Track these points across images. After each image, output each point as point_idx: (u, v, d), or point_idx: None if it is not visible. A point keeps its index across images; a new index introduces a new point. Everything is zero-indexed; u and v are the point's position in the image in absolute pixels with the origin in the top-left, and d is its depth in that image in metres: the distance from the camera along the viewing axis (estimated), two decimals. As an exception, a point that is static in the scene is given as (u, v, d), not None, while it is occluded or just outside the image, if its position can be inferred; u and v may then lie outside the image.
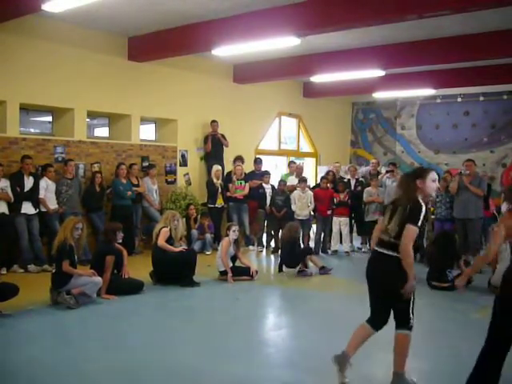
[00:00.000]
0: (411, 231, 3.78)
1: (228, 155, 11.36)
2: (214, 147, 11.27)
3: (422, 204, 3.85)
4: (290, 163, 12.28)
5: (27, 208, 8.12)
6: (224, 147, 11.39)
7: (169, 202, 10.36)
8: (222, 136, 11.30)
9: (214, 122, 11.24)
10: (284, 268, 8.55)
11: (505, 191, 10.15)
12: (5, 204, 7.89)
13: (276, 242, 10.67)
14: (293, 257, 8.49)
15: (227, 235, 7.92)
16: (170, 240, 7.58)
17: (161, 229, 7.58)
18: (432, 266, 7.68)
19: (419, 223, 3.81)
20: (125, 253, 7.17)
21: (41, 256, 8.20)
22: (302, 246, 9.22)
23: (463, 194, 8.91)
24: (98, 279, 6.43)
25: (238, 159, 11.08)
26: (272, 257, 10.29)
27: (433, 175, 3.96)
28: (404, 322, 4.03)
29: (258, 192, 10.73)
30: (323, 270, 8.50)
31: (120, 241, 7.08)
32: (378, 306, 4.15)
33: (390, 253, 3.92)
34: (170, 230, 7.59)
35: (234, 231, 7.88)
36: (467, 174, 8.94)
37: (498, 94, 13.68)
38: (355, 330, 4.21)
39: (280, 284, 8.15)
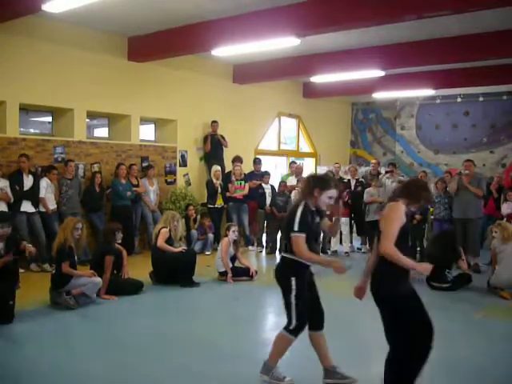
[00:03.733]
0: (293, 240, 3.84)
1: (228, 155, 11.35)
2: (213, 147, 11.28)
3: (300, 208, 3.88)
4: (291, 163, 12.28)
5: (27, 206, 8.13)
6: (224, 147, 11.39)
7: (168, 203, 10.35)
8: (222, 137, 11.30)
9: (214, 122, 11.25)
10: None
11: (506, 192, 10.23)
12: (4, 204, 7.89)
13: (275, 243, 10.68)
14: None
15: (226, 235, 7.92)
16: (169, 240, 7.58)
17: (160, 229, 7.58)
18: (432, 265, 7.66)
19: (299, 227, 3.82)
20: (124, 253, 7.17)
21: (42, 252, 8.19)
22: None
23: (463, 194, 8.90)
24: (98, 279, 6.43)
25: (237, 159, 11.08)
26: (271, 257, 10.29)
27: (332, 193, 3.92)
28: (287, 322, 4.05)
29: (257, 192, 10.73)
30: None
31: (119, 241, 7.07)
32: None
33: (282, 254, 4.11)
34: (170, 230, 7.59)
35: (233, 231, 7.88)
36: (466, 174, 8.93)
37: (498, 95, 13.69)
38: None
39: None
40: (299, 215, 3.85)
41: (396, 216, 3.59)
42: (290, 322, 4.02)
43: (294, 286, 3.94)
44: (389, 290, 3.72)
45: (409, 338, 3.64)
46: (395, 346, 3.72)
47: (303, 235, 3.83)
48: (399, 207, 3.62)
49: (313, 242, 3.94)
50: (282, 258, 4.11)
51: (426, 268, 3.79)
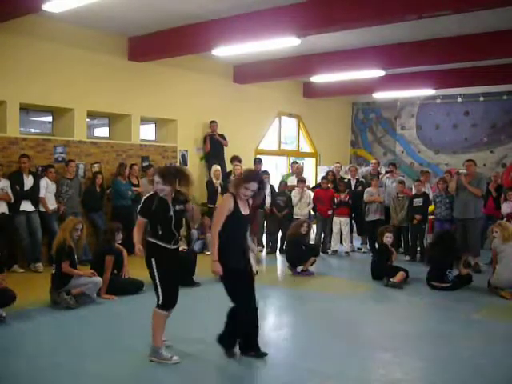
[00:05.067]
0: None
1: (229, 155, 11.35)
2: (213, 147, 11.28)
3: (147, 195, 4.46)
4: (293, 163, 12.27)
5: (26, 206, 8.14)
6: (224, 147, 11.39)
7: (169, 202, 10.34)
8: (221, 136, 11.29)
9: (213, 122, 11.25)
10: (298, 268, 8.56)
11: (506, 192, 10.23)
12: (5, 204, 7.90)
13: (274, 243, 10.68)
14: (297, 255, 8.52)
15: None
16: None
17: None
18: (432, 266, 7.67)
19: (139, 211, 4.45)
20: (125, 253, 7.17)
21: (38, 250, 8.19)
22: (309, 244, 9.22)
23: (462, 194, 8.90)
24: (98, 279, 6.43)
25: (235, 159, 11.08)
26: (271, 257, 10.30)
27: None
28: (156, 300, 4.43)
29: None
30: (305, 272, 8.49)
31: (119, 241, 7.07)
32: None
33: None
34: None
35: None
36: (465, 174, 8.94)
37: (498, 94, 13.69)
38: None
39: (280, 284, 8.16)
40: (142, 201, 4.46)
41: (222, 206, 4.43)
42: (158, 299, 4.43)
43: (154, 266, 4.35)
44: (222, 262, 4.36)
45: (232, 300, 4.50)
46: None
47: (141, 218, 4.44)
48: (225, 198, 4.44)
49: (161, 227, 4.36)
50: (145, 241, 4.49)
51: (215, 268, 4.37)
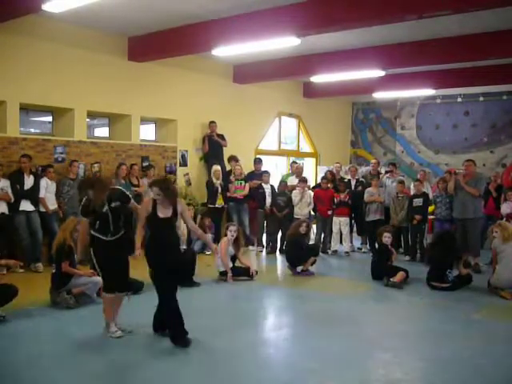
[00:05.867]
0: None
1: (228, 155, 11.34)
2: (212, 148, 11.27)
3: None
4: (292, 163, 12.28)
5: (26, 206, 8.14)
6: (223, 147, 11.38)
7: (169, 202, 10.34)
8: (220, 136, 11.28)
9: (212, 122, 11.24)
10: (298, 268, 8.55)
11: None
12: (5, 204, 7.90)
13: (274, 243, 10.68)
14: (296, 255, 8.52)
15: (226, 235, 7.93)
16: None
17: None
18: (432, 266, 7.67)
19: (79, 212, 5.25)
20: None
21: (38, 250, 8.18)
22: (309, 244, 9.22)
23: (461, 194, 8.90)
24: (98, 279, 6.41)
25: (233, 159, 11.08)
26: (271, 257, 10.30)
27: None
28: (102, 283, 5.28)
29: (257, 192, 10.73)
30: (305, 272, 8.49)
31: None
32: None
33: None
34: None
35: (230, 231, 7.89)
36: (460, 174, 8.95)
37: (498, 94, 13.70)
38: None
39: (280, 284, 8.15)
40: (81, 205, 5.17)
41: (141, 207, 5.20)
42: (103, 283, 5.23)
43: (92, 255, 5.11)
44: (148, 257, 5.03)
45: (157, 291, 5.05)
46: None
47: (83, 219, 5.17)
48: (145, 201, 5.23)
49: (99, 222, 5.05)
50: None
51: (136, 253, 5.17)
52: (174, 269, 5.03)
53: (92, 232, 5.08)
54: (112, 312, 5.23)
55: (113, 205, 5.05)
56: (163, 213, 4.98)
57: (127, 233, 5.22)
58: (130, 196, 5.35)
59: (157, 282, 5.00)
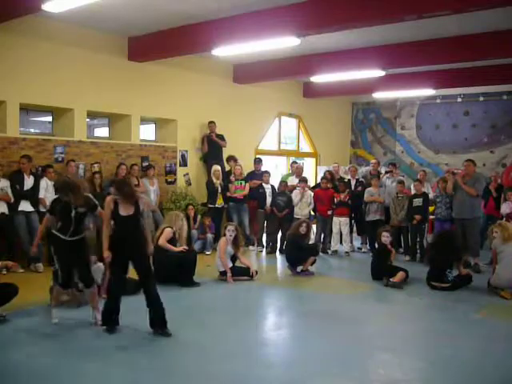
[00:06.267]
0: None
1: (228, 155, 11.35)
2: (211, 148, 11.27)
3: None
4: (293, 163, 12.28)
5: (25, 206, 8.14)
6: (222, 147, 11.38)
7: (169, 202, 10.36)
8: (218, 136, 11.27)
9: (211, 122, 11.23)
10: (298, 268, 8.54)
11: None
12: (5, 204, 7.90)
13: (275, 243, 10.69)
14: (296, 255, 8.52)
15: (225, 235, 7.93)
16: (172, 241, 7.57)
17: (164, 229, 7.59)
18: (432, 265, 7.67)
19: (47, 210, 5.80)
20: None
21: (39, 249, 8.18)
22: (309, 244, 9.21)
23: (459, 194, 8.91)
24: (101, 265, 6.45)
25: (231, 159, 11.08)
26: (271, 257, 10.30)
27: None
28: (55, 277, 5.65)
29: (257, 192, 10.73)
30: (305, 272, 8.49)
31: None
32: None
33: None
34: (175, 231, 7.59)
35: (228, 231, 7.90)
36: (459, 174, 8.95)
37: (498, 94, 13.69)
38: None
39: (280, 284, 8.15)
40: (51, 203, 5.72)
41: (105, 207, 5.38)
42: (56, 277, 5.54)
43: (52, 251, 5.51)
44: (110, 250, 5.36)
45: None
46: None
47: (48, 216, 5.57)
48: (107, 200, 5.36)
49: (62, 225, 5.40)
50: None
51: (105, 254, 5.33)
52: (126, 263, 5.42)
53: (53, 231, 5.44)
54: (55, 302, 5.69)
55: (79, 210, 5.41)
56: (125, 211, 5.25)
57: (85, 238, 5.62)
58: (97, 204, 5.65)
59: (110, 273, 5.47)
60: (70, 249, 5.43)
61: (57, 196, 5.63)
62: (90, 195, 5.72)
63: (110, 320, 5.35)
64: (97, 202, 5.67)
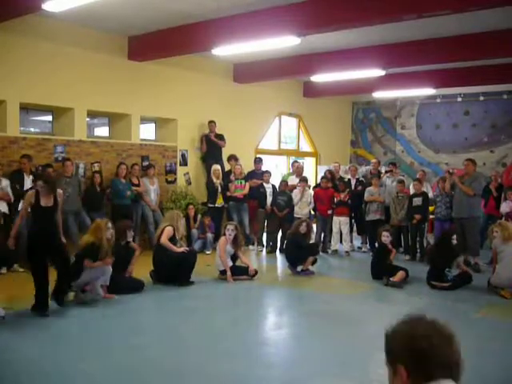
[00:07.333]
0: None
1: (228, 154, 11.34)
2: (210, 148, 11.25)
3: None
4: (293, 163, 12.27)
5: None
6: (221, 147, 11.37)
7: (169, 202, 10.36)
8: (218, 136, 11.25)
9: (211, 122, 11.21)
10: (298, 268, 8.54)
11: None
12: (5, 204, 7.90)
13: (275, 242, 10.69)
14: (296, 254, 8.52)
15: (224, 234, 7.93)
16: (173, 239, 7.58)
17: (164, 227, 7.59)
18: (432, 265, 7.68)
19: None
20: (137, 252, 7.22)
21: None
22: (309, 243, 9.20)
23: (456, 194, 8.92)
24: (109, 268, 6.49)
25: (232, 158, 11.07)
26: (272, 256, 10.30)
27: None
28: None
29: (258, 191, 10.73)
30: (305, 272, 8.49)
31: (131, 239, 7.13)
32: None
33: None
34: (174, 229, 7.61)
35: (228, 230, 7.90)
36: (455, 173, 8.96)
37: (498, 94, 13.68)
38: None
39: (280, 284, 8.16)
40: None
41: (25, 199, 5.95)
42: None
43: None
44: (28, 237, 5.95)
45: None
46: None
47: (29, 194, 5.97)
48: (29, 194, 5.95)
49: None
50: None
51: (10, 242, 5.95)
52: (47, 251, 5.81)
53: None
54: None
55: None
56: (45, 202, 5.83)
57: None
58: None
59: (31, 263, 5.79)
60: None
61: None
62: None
63: (46, 305, 5.74)
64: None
